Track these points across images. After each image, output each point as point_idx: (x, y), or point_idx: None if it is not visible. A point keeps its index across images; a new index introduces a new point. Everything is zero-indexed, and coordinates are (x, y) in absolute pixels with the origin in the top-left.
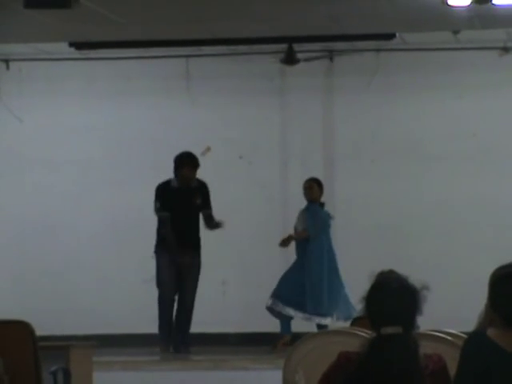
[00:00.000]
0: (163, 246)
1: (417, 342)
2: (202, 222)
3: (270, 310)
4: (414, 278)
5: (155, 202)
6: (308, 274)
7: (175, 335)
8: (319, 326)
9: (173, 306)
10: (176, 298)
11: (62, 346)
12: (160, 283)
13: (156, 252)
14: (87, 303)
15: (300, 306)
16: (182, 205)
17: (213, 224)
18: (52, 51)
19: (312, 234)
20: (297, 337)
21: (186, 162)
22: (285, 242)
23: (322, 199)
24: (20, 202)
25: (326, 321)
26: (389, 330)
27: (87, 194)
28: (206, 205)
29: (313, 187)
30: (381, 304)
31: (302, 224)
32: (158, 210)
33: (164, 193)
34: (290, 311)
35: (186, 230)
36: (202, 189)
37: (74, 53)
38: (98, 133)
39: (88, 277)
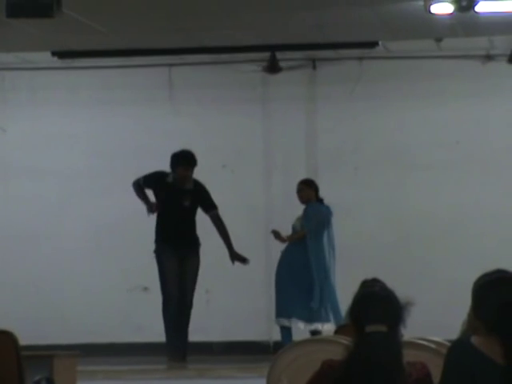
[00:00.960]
0: (162, 241)
1: (400, 341)
2: (212, 225)
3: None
4: (399, 292)
5: (144, 176)
6: (310, 276)
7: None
8: (313, 333)
9: (176, 308)
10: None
11: (46, 355)
12: (164, 282)
13: (156, 250)
14: (71, 312)
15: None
16: (171, 203)
17: (226, 231)
18: (35, 60)
19: (309, 231)
20: (278, 345)
21: (181, 162)
22: (276, 235)
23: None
24: (3, 211)
25: (327, 326)
26: (373, 327)
27: (71, 203)
28: (208, 206)
29: (302, 190)
30: (365, 307)
31: (299, 224)
32: (140, 181)
33: (157, 180)
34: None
35: (184, 227)
36: (199, 191)
37: (56, 62)
38: (81, 142)
39: (72, 286)
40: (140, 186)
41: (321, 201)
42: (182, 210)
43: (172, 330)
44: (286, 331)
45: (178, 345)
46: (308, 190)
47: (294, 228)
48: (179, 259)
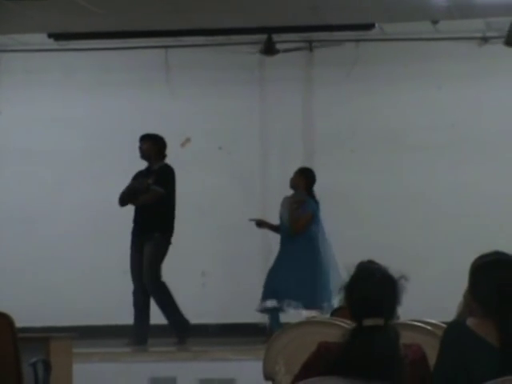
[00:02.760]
0: (131, 233)
1: (398, 333)
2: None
3: (265, 310)
4: (394, 267)
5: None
6: (298, 266)
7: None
8: None
9: (147, 298)
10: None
11: (42, 337)
12: (132, 274)
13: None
14: (67, 295)
15: (296, 299)
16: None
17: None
18: (30, 42)
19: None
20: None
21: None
22: (259, 224)
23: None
24: None
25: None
26: (370, 321)
27: (66, 185)
28: (158, 183)
29: (295, 177)
30: (362, 295)
31: (286, 211)
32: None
33: (134, 177)
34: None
35: (142, 213)
36: (160, 171)
37: (52, 44)
38: (77, 124)
39: (67, 268)
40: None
41: (312, 195)
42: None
43: (137, 315)
44: (275, 313)
45: (139, 330)
46: (298, 177)
47: (281, 217)
48: (140, 245)
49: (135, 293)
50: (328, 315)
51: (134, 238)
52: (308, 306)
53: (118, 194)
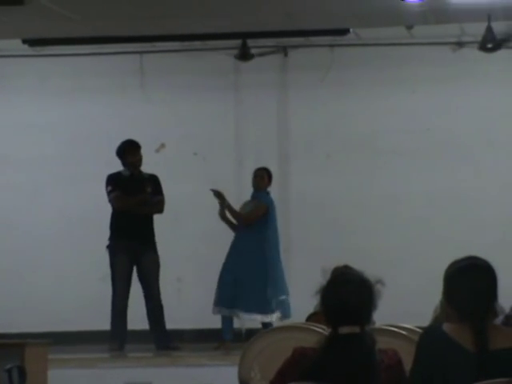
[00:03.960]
0: (117, 238)
1: (374, 340)
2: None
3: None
4: (369, 272)
5: (106, 187)
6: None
7: (152, 333)
8: (264, 325)
9: (127, 304)
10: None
11: (17, 343)
12: (114, 280)
13: (109, 247)
14: (42, 300)
15: (241, 305)
16: (134, 194)
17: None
18: (5, 48)
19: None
20: (251, 333)
21: (129, 150)
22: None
23: (271, 189)
24: None
25: (271, 318)
26: (347, 329)
27: (41, 191)
28: (157, 192)
29: (263, 177)
30: (338, 302)
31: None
32: (109, 192)
33: (116, 181)
34: (235, 312)
35: (139, 221)
36: (153, 179)
37: (27, 49)
38: (52, 129)
39: (43, 274)
40: (120, 197)
41: (267, 193)
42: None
43: (118, 321)
44: (228, 320)
45: (120, 335)
46: (266, 178)
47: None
48: (134, 254)
49: (120, 299)
50: (277, 314)
51: (127, 245)
52: (260, 311)
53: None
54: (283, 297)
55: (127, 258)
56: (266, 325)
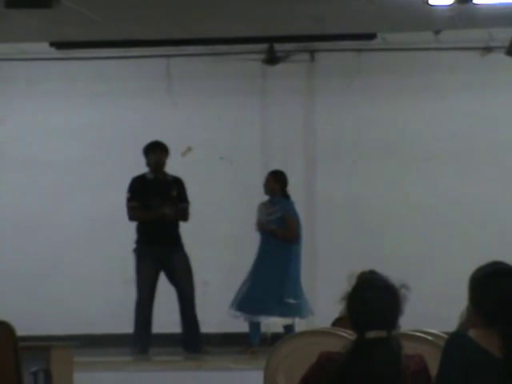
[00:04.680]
0: (144, 242)
1: (400, 344)
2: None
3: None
4: (395, 277)
5: (127, 191)
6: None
7: (184, 336)
8: (285, 328)
9: (152, 309)
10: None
11: (43, 346)
12: (139, 285)
13: (136, 250)
14: (68, 303)
15: (267, 310)
16: (158, 197)
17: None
18: (33, 51)
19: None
20: (276, 337)
21: (151, 149)
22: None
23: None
24: (1, 203)
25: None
26: (373, 334)
27: (68, 195)
28: (182, 198)
29: (268, 181)
30: (364, 307)
31: (264, 216)
32: (128, 199)
33: (139, 185)
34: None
35: (166, 225)
36: (178, 183)
37: (54, 53)
38: (78, 133)
39: (69, 277)
40: (136, 209)
41: (287, 196)
42: (170, 200)
43: (141, 327)
44: (256, 325)
45: (143, 340)
46: (273, 182)
47: (259, 222)
48: (161, 259)
49: (144, 305)
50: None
51: (154, 250)
52: (281, 314)
53: (120, 203)
54: (298, 300)
55: (153, 264)
56: (287, 327)
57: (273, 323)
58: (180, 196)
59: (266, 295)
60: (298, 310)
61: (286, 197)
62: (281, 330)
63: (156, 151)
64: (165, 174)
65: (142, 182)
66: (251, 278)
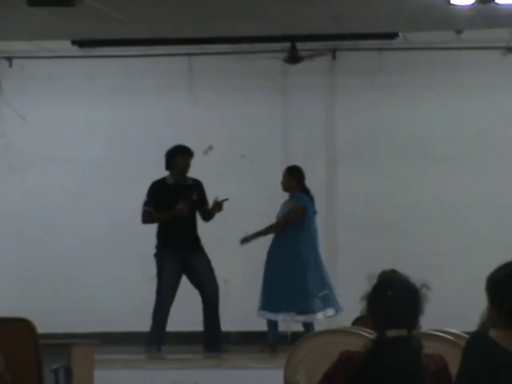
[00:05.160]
0: (165, 246)
1: (421, 344)
2: (200, 217)
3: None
4: (415, 276)
5: (146, 195)
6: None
7: (205, 334)
8: (305, 325)
9: (169, 312)
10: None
11: (64, 343)
12: (162, 287)
13: (156, 255)
14: (89, 301)
15: (283, 307)
16: (179, 202)
17: (212, 214)
18: (54, 49)
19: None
20: (296, 336)
21: (180, 153)
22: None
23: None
24: (22, 200)
25: (312, 318)
26: (394, 332)
27: (89, 192)
28: (203, 202)
29: (283, 177)
30: (385, 306)
31: (281, 212)
32: (144, 203)
33: (159, 190)
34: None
35: (186, 227)
36: (198, 186)
37: (76, 50)
38: (100, 131)
39: (90, 275)
40: (148, 213)
41: (306, 191)
42: (192, 204)
43: (158, 329)
44: (273, 323)
45: (158, 341)
46: (288, 178)
47: (278, 218)
48: (183, 261)
49: (164, 309)
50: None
51: (176, 254)
52: (302, 312)
53: (141, 200)
54: (325, 291)
55: (176, 266)
56: (307, 325)
57: (295, 322)
58: (201, 199)
59: (281, 292)
60: (326, 303)
61: (306, 191)
62: (300, 328)
63: (185, 155)
64: (185, 178)
65: (163, 186)
66: (264, 276)
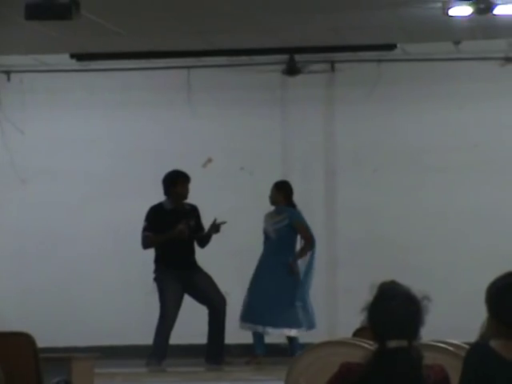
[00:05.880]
0: (164, 268)
1: (421, 354)
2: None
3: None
4: (415, 288)
5: (144, 220)
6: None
7: (208, 346)
8: (289, 339)
9: (172, 328)
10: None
11: (64, 357)
12: (166, 304)
13: (156, 279)
14: (89, 315)
15: (270, 320)
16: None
17: (209, 234)
18: (53, 63)
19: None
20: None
21: (181, 180)
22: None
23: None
24: (22, 213)
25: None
26: (394, 343)
27: (89, 206)
28: (199, 228)
29: (272, 192)
30: (385, 316)
31: (271, 226)
32: (143, 229)
33: (157, 215)
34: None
35: (184, 251)
36: (195, 211)
37: (74, 64)
38: (98, 144)
39: (90, 288)
40: (149, 237)
41: (293, 205)
42: (189, 230)
43: (162, 344)
44: (259, 335)
45: (161, 355)
46: (275, 192)
47: (266, 232)
48: (183, 282)
49: (169, 326)
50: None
51: (176, 274)
52: (288, 325)
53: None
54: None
55: (177, 287)
56: (291, 339)
57: (277, 334)
58: (197, 224)
59: (269, 304)
60: (303, 320)
61: (292, 206)
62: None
63: (185, 183)
64: (183, 204)
65: (161, 212)
66: (251, 287)
